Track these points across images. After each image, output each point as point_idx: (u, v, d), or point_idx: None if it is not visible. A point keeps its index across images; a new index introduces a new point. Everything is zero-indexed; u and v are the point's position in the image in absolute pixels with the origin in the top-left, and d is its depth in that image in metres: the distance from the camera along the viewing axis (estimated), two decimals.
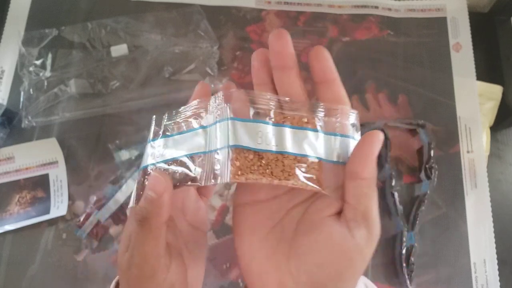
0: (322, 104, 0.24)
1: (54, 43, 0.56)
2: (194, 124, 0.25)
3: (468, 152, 0.52)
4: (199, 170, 0.23)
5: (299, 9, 0.60)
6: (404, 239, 0.47)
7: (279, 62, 0.24)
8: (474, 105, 0.54)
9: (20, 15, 0.59)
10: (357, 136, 0.24)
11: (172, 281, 0.23)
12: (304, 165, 0.22)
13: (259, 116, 0.23)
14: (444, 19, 0.59)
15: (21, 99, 0.54)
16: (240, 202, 0.26)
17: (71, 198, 0.51)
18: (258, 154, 0.22)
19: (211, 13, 0.58)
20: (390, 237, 0.49)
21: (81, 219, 0.49)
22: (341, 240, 0.22)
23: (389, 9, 0.60)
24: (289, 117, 0.23)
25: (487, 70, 0.57)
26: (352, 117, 0.24)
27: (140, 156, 0.51)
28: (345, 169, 0.22)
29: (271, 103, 0.24)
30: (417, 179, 0.51)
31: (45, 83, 0.54)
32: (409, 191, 0.51)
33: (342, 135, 0.23)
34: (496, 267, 0.48)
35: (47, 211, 0.50)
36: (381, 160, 0.51)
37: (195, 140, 0.24)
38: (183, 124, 0.25)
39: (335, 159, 0.23)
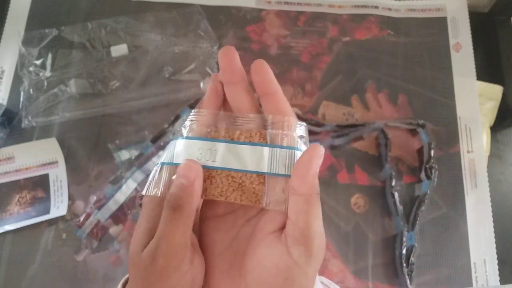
0: (269, 116, 0.24)
1: (54, 43, 0.56)
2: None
3: (468, 152, 0.52)
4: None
5: (299, 9, 0.60)
6: (404, 239, 0.47)
7: (227, 78, 0.24)
8: (474, 105, 0.54)
9: (20, 15, 0.59)
10: (304, 148, 0.24)
11: (194, 275, 0.23)
12: (247, 180, 0.23)
13: (206, 134, 0.24)
14: (444, 19, 0.59)
15: (21, 99, 0.54)
16: (203, 216, 0.26)
17: (71, 198, 0.51)
18: (208, 171, 0.23)
19: (211, 13, 0.58)
20: (390, 237, 0.49)
21: (81, 219, 0.49)
22: (278, 258, 0.21)
23: (389, 9, 0.60)
24: (235, 133, 0.24)
25: (487, 70, 0.57)
26: (301, 129, 0.24)
27: (140, 156, 0.51)
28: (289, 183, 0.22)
29: (220, 120, 0.24)
30: (417, 179, 0.51)
31: (45, 83, 0.54)
32: (409, 191, 0.51)
33: (288, 147, 0.23)
34: (496, 267, 0.48)
35: (47, 211, 0.50)
36: (381, 160, 0.51)
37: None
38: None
39: (281, 172, 0.23)
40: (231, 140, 0.24)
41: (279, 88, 0.24)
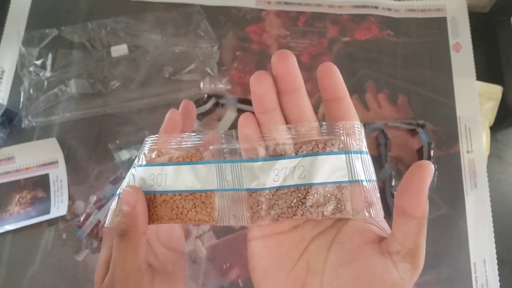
0: (338, 123, 0.23)
1: (54, 43, 0.56)
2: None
3: (468, 152, 0.52)
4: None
5: (299, 9, 0.60)
6: None
7: (287, 86, 0.23)
8: (474, 105, 0.54)
9: (20, 15, 0.59)
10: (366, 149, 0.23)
11: None
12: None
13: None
14: (444, 19, 0.59)
15: (21, 99, 0.54)
16: (257, 235, 0.24)
17: (71, 198, 0.51)
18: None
19: (211, 13, 0.58)
20: None
21: (81, 219, 0.49)
22: (384, 273, 0.21)
23: (389, 9, 0.60)
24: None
25: (487, 70, 0.57)
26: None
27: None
28: (395, 201, 0.21)
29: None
30: None
31: (45, 83, 0.54)
32: None
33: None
34: (496, 267, 0.48)
35: (47, 211, 0.50)
36: (381, 160, 0.51)
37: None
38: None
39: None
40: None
41: (347, 92, 0.23)
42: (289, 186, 0.22)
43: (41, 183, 0.51)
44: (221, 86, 0.54)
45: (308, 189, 0.22)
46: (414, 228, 0.21)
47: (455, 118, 0.54)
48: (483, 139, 0.53)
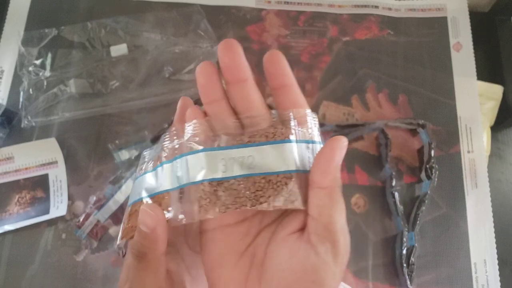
0: (288, 112, 0.22)
1: (53, 43, 0.56)
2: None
3: (468, 152, 0.52)
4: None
5: (299, 9, 0.59)
6: (405, 239, 0.47)
7: (232, 76, 0.22)
8: (474, 105, 0.54)
9: (19, 15, 0.59)
10: (318, 139, 0.23)
11: None
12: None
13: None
14: (444, 19, 0.59)
15: (21, 99, 0.54)
16: (206, 227, 0.24)
17: (70, 198, 0.50)
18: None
19: (211, 13, 0.58)
20: (390, 238, 0.49)
21: (81, 219, 0.49)
22: (305, 257, 0.20)
23: (389, 9, 0.59)
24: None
25: (487, 70, 0.56)
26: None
27: (140, 156, 0.51)
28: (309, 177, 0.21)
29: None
30: (417, 179, 0.51)
31: (45, 83, 0.54)
32: (410, 191, 0.51)
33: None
34: (497, 267, 0.48)
35: (46, 211, 0.49)
36: (381, 160, 0.51)
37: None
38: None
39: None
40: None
41: (294, 80, 0.22)
42: (237, 177, 0.21)
43: (40, 183, 0.51)
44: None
45: (257, 179, 0.21)
46: (325, 199, 0.20)
47: (456, 118, 0.54)
48: (484, 139, 0.53)
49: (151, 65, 0.55)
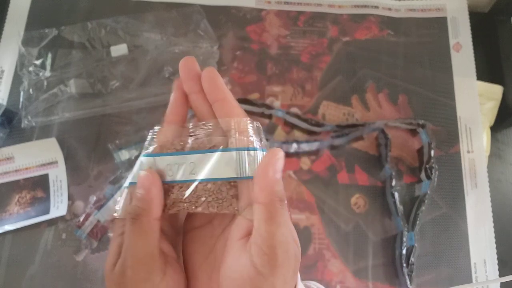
0: (223, 120, 0.24)
1: (54, 43, 0.56)
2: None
3: (468, 152, 0.52)
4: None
5: (299, 9, 0.60)
6: (404, 239, 0.47)
7: (188, 88, 0.25)
8: (474, 105, 0.54)
9: (20, 15, 0.59)
10: (264, 146, 0.24)
11: (169, 285, 0.23)
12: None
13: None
14: (444, 19, 0.59)
15: (21, 99, 0.54)
16: (185, 228, 0.26)
17: (70, 198, 0.50)
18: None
19: (211, 13, 0.58)
20: (390, 237, 0.49)
21: (81, 219, 0.49)
22: (243, 267, 0.20)
23: (389, 9, 0.60)
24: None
25: (487, 70, 0.57)
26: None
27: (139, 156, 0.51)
28: None
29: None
30: (417, 179, 0.51)
31: (45, 83, 0.54)
32: (410, 191, 0.51)
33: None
34: (497, 267, 0.48)
35: (46, 211, 0.49)
36: (381, 160, 0.51)
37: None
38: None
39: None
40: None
41: (229, 93, 0.24)
42: (179, 182, 0.23)
43: (40, 183, 0.51)
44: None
45: (198, 184, 0.23)
46: (264, 214, 0.21)
47: (456, 118, 0.54)
48: (484, 139, 0.53)
49: (151, 65, 0.55)
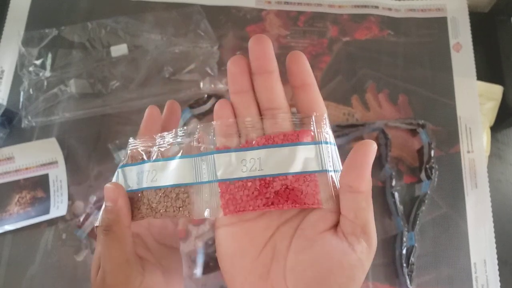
0: (309, 115, 0.23)
1: (54, 43, 0.56)
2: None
3: (468, 152, 0.52)
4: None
5: (299, 9, 0.60)
6: (405, 239, 0.47)
7: (260, 67, 0.23)
8: (474, 105, 0.54)
9: (20, 15, 0.59)
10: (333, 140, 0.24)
11: (149, 285, 0.24)
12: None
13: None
14: (444, 19, 0.59)
15: (21, 99, 0.54)
16: (224, 223, 0.24)
17: (71, 198, 0.50)
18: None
19: (211, 13, 0.58)
20: (390, 237, 0.49)
21: (81, 219, 0.49)
22: (342, 255, 0.21)
23: (389, 9, 0.60)
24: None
25: (487, 70, 0.57)
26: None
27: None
28: (339, 181, 0.22)
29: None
30: (417, 179, 0.51)
31: (45, 83, 0.54)
32: (410, 191, 0.51)
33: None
34: (497, 267, 0.48)
35: (47, 211, 0.50)
36: (381, 160, 0.51)
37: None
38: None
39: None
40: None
41: (314, 80, 0.24)
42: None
43: (40, 183, 0.51)
44: (221, 86, 0.54)
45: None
46: (362, 203, 0.21)
47: (456, 118, 0.54)
48: (484, 139, 0.53)
49: (151, 65, 0.55)
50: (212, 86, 0.54)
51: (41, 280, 0.48)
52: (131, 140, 0.26)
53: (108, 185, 0.24)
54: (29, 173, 0.51)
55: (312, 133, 0.23)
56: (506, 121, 0.54)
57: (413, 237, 0.47)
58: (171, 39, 0.57)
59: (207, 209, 0.23)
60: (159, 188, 0.24)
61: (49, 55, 0.55)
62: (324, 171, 0.22)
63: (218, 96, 0.53)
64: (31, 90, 0.54)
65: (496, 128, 0.54)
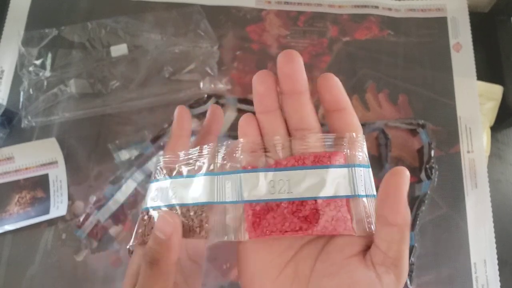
0: (343, 136, 0.22)
1: (54, 43, 0.56)
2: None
3: (468, 152, 0.52)
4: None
5: (299, 9, 0.60)
6: None
7: (291, 87, 0.22)
8: (474, 105, 0.54)
9: (20, 15, 0.59)
10: (367, 163, 0.23)
11: None
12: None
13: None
14: (444, 19, 0.59)
15: (21, 99, 0.54)
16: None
17: (71, 198, 0.50)
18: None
19: (211, 13, 0.58)
20: None
21: (81, 219, 0.49)
22: (368, 285, 0.20)
23: (389, 9, 0.59)
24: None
25: (487, 70, 0.57)
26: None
27: (140, 156, 0.51)
28: (376, 211, 0.21)
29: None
30: (417, 179, 0.51)
31: (45, 83, 0.54)
32: (409, 191, 0.51)
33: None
34: (497, 267, 0.48)
35: (46, 211, 0.49)
36: (381, 160, 0.51)
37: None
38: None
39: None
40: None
41: (349, 102, 0.22)
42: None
43: (40, 183, 0.51)
44: (221, 86, 0.54)
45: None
46: (396, 236, 0.20)
47: (456, 118, 0.54)
48: (484, 139, 0.53)
49: (151, 65, 0.55)
50: (212, 86, 0.54)
51: (41, 280, 0.48)
52: (160, 157, 0.25)
53: (163, 214, 0.22)
54: (29, 173, 0.51)
55: (345, 155, 0.22)
56: (506, 121, 0.54)
57: (413, 237, 0.47)
58: (171, 39, 0.57)
59: (231, 231, 0.22)
60: (174, 206, 0.22)
61: (49, 55, 0.55)
62: (356, 196, 0.21)
63: (218, 96, 0.53)
64: (31, 90, 0.54)
65: (496, 128, 0.54)
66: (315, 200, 0.21)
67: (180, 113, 0.26)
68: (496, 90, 0.54)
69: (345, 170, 0.21)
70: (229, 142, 0.23)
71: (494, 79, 0.55)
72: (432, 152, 0.50)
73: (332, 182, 0.21)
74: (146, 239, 0.23)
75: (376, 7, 0.59)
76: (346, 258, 0.21)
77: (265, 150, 0.22)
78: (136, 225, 0.24)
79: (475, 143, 0.52)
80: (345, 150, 0.22)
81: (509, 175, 0.52)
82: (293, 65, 0.22)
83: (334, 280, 0.21)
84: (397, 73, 0.56)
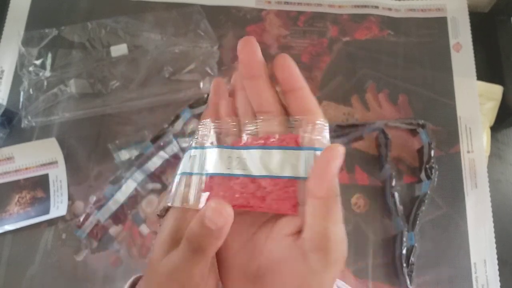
0: (299, 118, 0.23)
1: (54, 43, 0.56)
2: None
3: (468, 152, 0.52)
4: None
5: (299, 9, 0.60)
6: (404, 239, 0.47)
7: (246, 71, 0.23)
8: (474, 105, 0.54)
9: (20, 15, 0.59)
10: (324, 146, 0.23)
11: (210, 286, 0.23)
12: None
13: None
14: (444, 19, 0.59)
15: (21, 99, 0.54)
16: None
17: (71, 198, 0.50)
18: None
19: (211, 13, 0.58)
20: (390, 238, 0.49)
21: (81, 219, 0.49)
22: (295, 262, 0.20)
23: (389, 9, 0.59)
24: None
25: (487, 70, 0.56)
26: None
27: (140, 156, 0.51)
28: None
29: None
30: (417, 179, 0.51)
31: (45, 83, 0.54)
32: (410, 191, 0.51)
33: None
34: (497, 267, 0.48)
35: (46, 211, 0.49)
36: (381, 160, 0.51)
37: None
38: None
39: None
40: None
41: (305, 83, 0.23)
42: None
43: (40, 183, 0.51)
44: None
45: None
46: (320, 209, 0.20)
47: (456, 118, 0.54)
48: (484, 139, 0.53)
49: (151, 65, 0.55)
50: None
51: (41, 280, 0.48)
52: (205, 121, 0.26)
53: (215, 204, 0.20)
54: (29, 173, 0.51)
55: (299, 137, 0.22)
56: (506, 121, 0.54)
57: (413, 237, 0.47)
58: (171, 39, 0.57)
59: (192, 199, 0.23)
60: (262, 177, 0.23)
61: (49, 55, 0.55)
62: (305, 178, 0.21)
63: None
64: (31, 90, 0.54)
65: (496, 128, 0.54)
66: (266, 179, 0.22)
67: (217, 83, 0.27)
68: (496, 90, 0.54)
69: (297, 152, 0.22)
70: (205, 121, 0.25)
71: (494, 79, 0.55)
72: (432, 152, 0.49)
73: (283, 163, 0.22)
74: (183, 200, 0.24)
75: (376, 7, 0.59)
76: (282, 237, 0.21)
77: (229, 131, 0.24)
78: (178, 187, 0.24)
79: (475, 143, 0.52)
80: (301, 132, 0.22)
81: (509, 175, 0.52)
82: (247, 50, 0.22)
83: (270, 257, 0.21)
84: (397, 73, 0.56)
